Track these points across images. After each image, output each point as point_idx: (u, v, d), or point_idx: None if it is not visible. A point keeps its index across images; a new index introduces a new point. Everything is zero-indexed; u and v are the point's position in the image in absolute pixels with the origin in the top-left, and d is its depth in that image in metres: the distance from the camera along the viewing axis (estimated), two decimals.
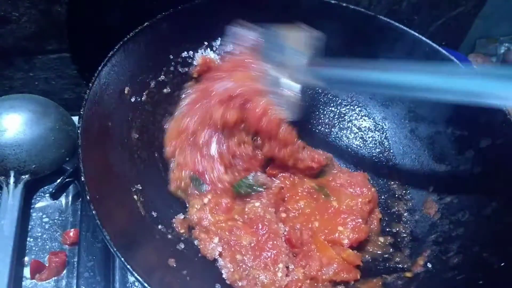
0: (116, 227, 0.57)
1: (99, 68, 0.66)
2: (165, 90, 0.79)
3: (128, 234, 0.60)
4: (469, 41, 1.29)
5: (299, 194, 0.80)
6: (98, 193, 0.57)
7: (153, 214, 0.68)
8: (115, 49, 0.68)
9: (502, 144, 0.70)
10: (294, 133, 0.81)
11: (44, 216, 0.80)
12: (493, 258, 0.61)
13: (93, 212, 0.54)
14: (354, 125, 0.91)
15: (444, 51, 0.79)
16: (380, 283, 0.69)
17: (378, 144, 0.89)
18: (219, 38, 0.83)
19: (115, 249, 0.52)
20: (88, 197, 0.55)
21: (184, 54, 0.81)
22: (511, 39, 1.33)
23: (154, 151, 0.76)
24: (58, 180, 0.83)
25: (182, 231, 0.70)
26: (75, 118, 0.87)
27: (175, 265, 0.63)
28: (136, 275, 0.52)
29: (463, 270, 0.64)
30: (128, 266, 0.52)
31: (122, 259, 0.52)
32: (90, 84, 0.64)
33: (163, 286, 0.59)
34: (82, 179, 0.56)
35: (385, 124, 0.89)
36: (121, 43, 0.69)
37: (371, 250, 0.76)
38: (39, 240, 0.77)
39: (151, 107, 0.77)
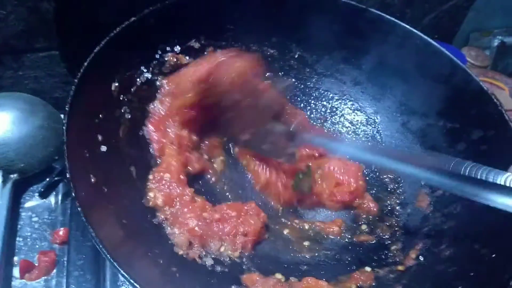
0: (103, 224, 0.57)
1: (85, 64, 0.65)
2: (153, 87, 0.78)
3: (116, 231, 0.59)
4: (463, 34, 1.29)
5: None
6: (84, 191, 0.57)
7: (141, 210, 0.68)
8: (101, 45, 0.67)
9: (494, 136, 0.70)
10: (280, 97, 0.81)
11: (33, 215, 0.79)
12: (485, 250, 0.61)
13: (79, 209, 0.53)
14: (346, 119, 0.90)
15: (436, 44, 0.79)
16: (373, 276, 0.68)
17: (370, 138, 0.88)
18: (208, 33, 0.82)
19: (100, 246, 0.51)
20: (74, 195, 0.54)
21: (173, 49, 0.80)
22: (504, 31, 1.32)
23: (142, 148, 0.75)
24: (47, 179, 0.82)
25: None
26: None
27: (163, 262, 0.63)
28: (122, 272, 0.51)
29: (455, 262, 0.64)
30: (114, 263, 0.51)
31: (108, 256, 0.51)
32: (75, 80, 0.63)
33: (152, 284, 0.58)
34: (68, 176, 0.55)
35: (377, 118, 0.88)
36: (108, 38, 0.68)
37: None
38: (28, 239, 0.76)
39: (139, 103, 0.76)
